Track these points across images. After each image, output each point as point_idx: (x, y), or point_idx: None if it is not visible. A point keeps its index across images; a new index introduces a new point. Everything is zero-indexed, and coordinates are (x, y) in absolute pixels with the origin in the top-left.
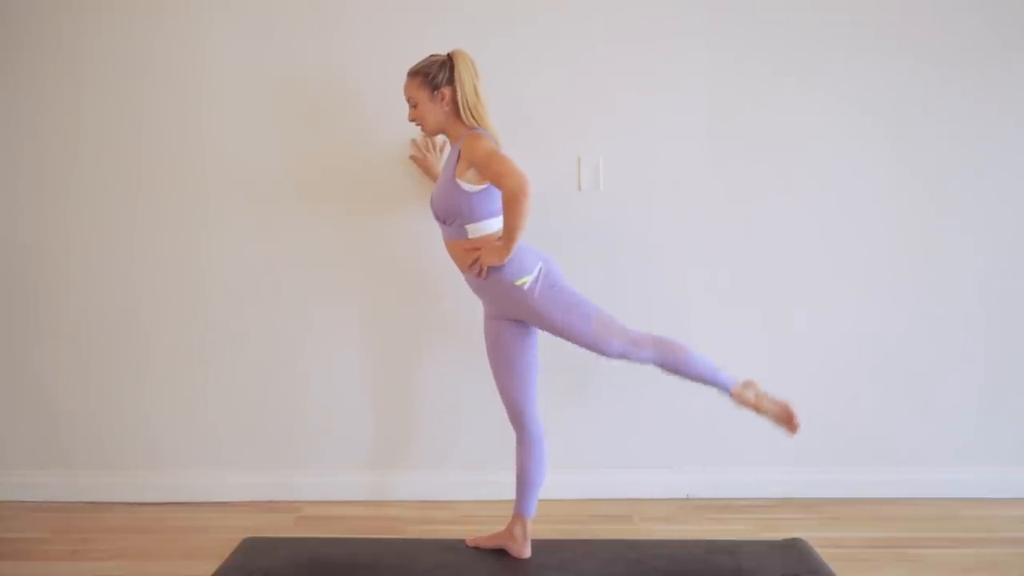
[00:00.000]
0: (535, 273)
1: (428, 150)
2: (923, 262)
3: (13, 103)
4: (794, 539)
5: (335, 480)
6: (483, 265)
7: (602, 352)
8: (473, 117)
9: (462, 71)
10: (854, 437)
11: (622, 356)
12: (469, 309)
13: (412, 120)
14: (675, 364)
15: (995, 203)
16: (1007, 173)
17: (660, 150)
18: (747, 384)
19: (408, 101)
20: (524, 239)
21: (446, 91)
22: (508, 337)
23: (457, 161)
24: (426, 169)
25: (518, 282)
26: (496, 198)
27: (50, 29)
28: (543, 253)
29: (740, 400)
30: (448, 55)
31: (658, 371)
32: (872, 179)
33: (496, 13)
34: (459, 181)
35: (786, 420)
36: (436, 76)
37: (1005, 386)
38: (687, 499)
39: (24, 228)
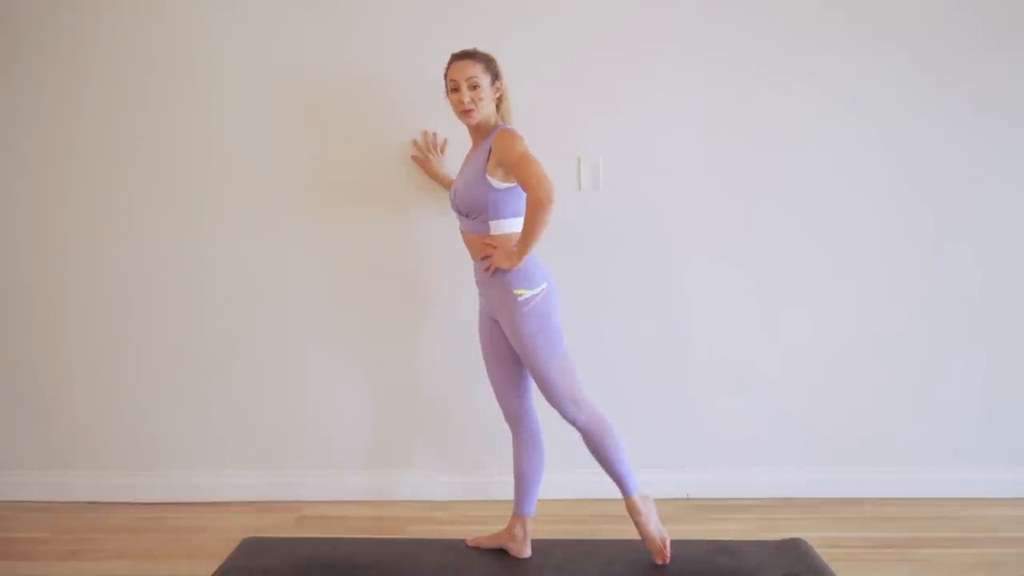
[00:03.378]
0: (536, 291)
1: (429, 151)
2: (923, 261)
3: (13, 103)
4: (794, 539)
5: (335, 480)
6: (494, 265)
7: (545, 392)
8: (507, 115)
9: (501, 71)
10: (854, 437)
11: (559, 407)
12: (469, 309)
13: (467, 102)
14: (600, 442)
15: (995, 202)
16: (1007, 172)
17: (659, 150)
18: (646, 498)
19: (467, 81)
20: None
21: (500, 85)
22: (502, 335)
23: (488, 157)
24: (427, 170)
25: (516, 291)
26: (523, 197)
27: (50, 29)
28: (552, 277)
29: (633, 509)
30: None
31: (574, 441)
32: (872, 179)
33: (496, 14)
34: (489, 178)
35: (658, 550)
36: (496, 68)
37: (1006, 386)
38: (687, 499)
39: (24, 228)
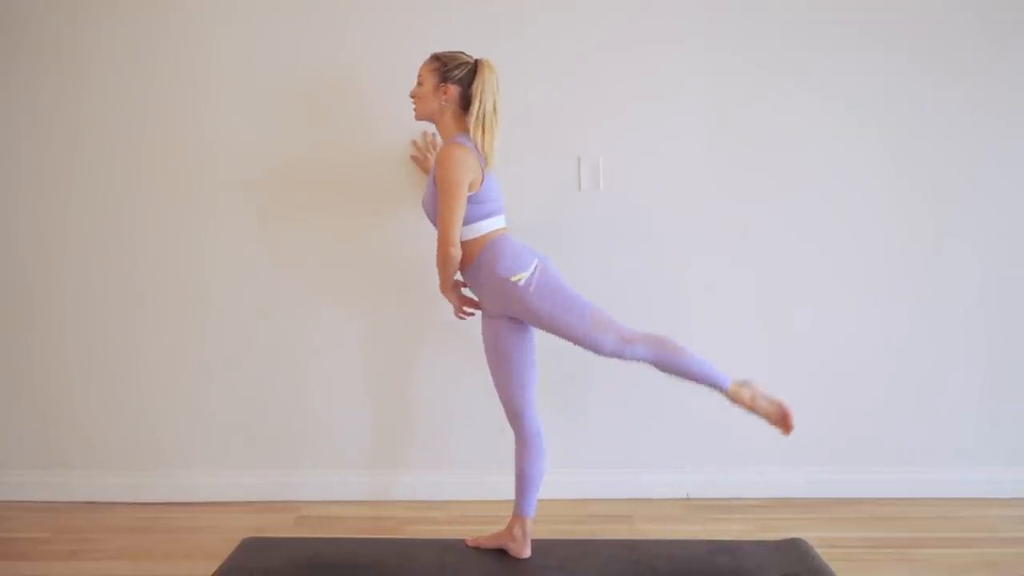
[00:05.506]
0: (531, 270)
1: (428, 151)
2: (922, 262)
3: (12, 103)
4: (794, 539)
5: (335, 480)
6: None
7: (595, 349)
8: (482, 129)
9: (487, 81)
10: (854, 437)
11: (615, 354)
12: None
13: (411, 96)
14: (670, 362)
15: (995, 202)
16: (1006, 172)
17: (660, 150)
18: (743, 383)
19: (418, 77)
20: (523, 238)
21: (451, 88)
22: (506, 335)
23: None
24: (426, 170)
25: (513, 278)
26: (482, 202)
27: (50, 29)
28: (540, 252)
29: (735, 399)
30: (475, 60)
31: (653, 369)
32: (871, 179)
33: (498, 14)
34: (437, 187)
35: (781, 420)
36: (451, 70)
37: (1005, 386)
38: (687, 499)
39: (24, 227)
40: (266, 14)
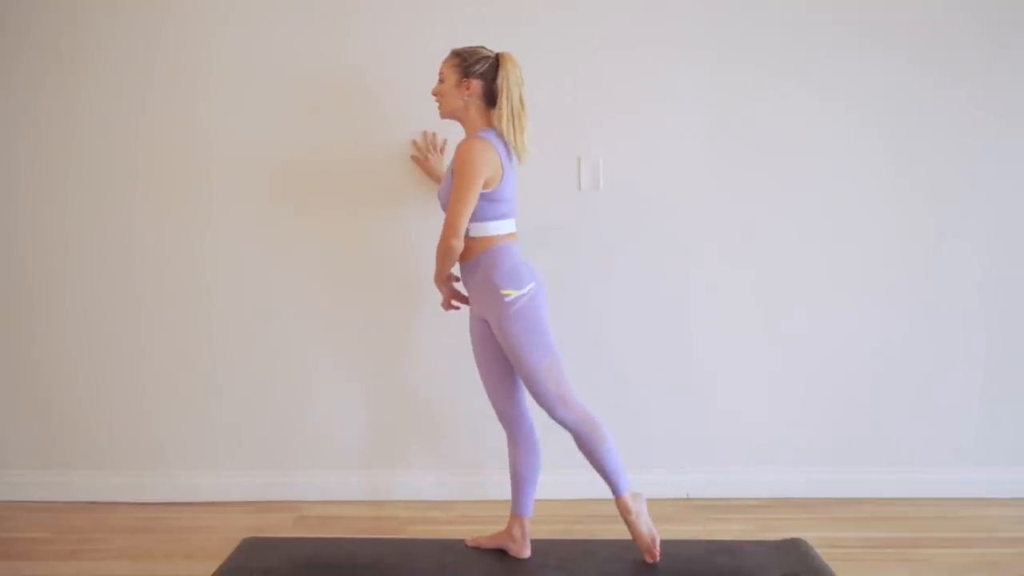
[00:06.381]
0: (524, 291)
1: (429, 151)
2: (923, 262)
3: (12, 102)
4: (794, 539)
5: (335, 480)
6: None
7: (534, 393)
8: (513, 123)
9: (511, 75)
10: (854, 437)
11: (549, 407)
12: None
13: (433, 94)
14: (590, 443)
15: (995, 202)
16: (1006, 172)
17: (660, 151)
18: (636, 496)
19: (439, 75)
20: (523, 238)
21: (474, 82)
22: (492, 334)
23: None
24: (427, 170)
25: (503, 291)
26: (496, 201)
27: (50, 29)
28: (539, 276)
29: (622, 507)
30: (496, 55)
31: (573, 442)
32: (871, 178)
33: (499, 14)
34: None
35: (647, 548)
36: (472, 64)
37: (1005, 386)
38: (687, 499)
39: (24, 227)
40: (265, 14)
